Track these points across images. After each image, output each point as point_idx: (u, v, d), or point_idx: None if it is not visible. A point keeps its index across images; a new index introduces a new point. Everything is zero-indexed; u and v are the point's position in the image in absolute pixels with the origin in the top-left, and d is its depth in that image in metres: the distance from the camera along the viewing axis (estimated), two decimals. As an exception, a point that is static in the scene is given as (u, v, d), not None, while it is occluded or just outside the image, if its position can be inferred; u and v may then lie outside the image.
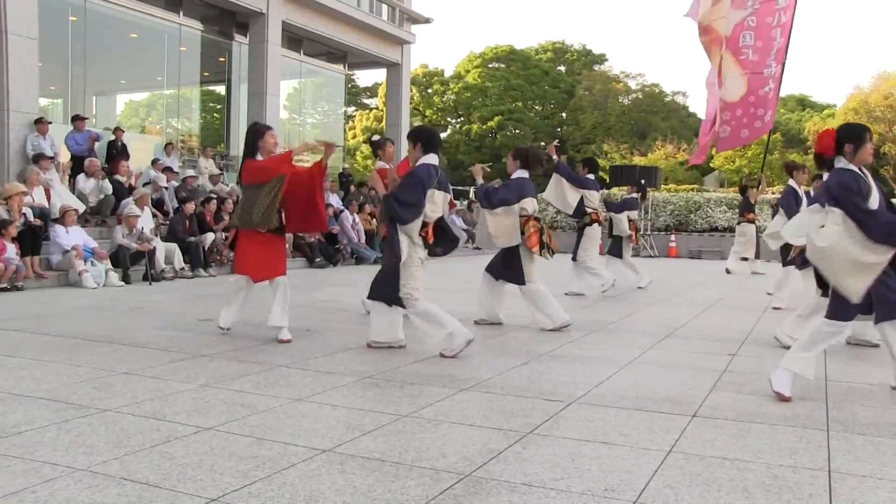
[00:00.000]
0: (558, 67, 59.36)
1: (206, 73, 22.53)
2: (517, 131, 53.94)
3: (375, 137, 9.33)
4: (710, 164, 46.34)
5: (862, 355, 6.70)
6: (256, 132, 6.86)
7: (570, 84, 56.68)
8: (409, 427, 4.13)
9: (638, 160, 40.31)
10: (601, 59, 59.72)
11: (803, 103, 54.57)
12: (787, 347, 6.59)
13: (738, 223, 16.81)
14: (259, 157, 6.77)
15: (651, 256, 24.01)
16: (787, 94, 54.80)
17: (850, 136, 5.03)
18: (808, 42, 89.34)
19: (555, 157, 10.65)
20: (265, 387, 5.00)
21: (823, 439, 4.09)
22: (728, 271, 16.78)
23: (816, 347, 5.08)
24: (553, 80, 57.09)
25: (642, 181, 15.41)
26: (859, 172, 4.99)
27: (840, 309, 4.98)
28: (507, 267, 7.93)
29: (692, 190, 30.31)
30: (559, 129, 57.09)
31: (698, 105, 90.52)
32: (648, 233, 25.29)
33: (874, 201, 4.93)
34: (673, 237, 24.88)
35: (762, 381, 5.51)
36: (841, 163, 5.04)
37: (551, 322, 7.76)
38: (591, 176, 11.23)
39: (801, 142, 46.51)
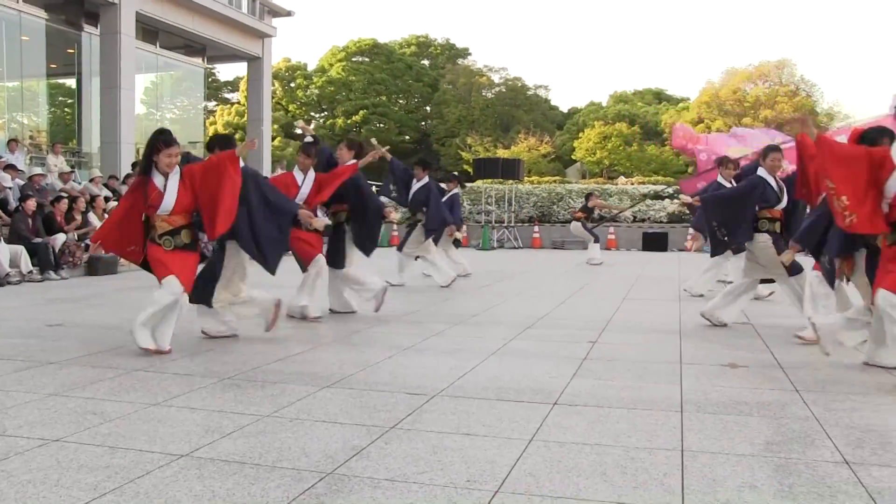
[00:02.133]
0: (422, 61, 59.57)
1: (54, 65, 21.49)
2: (381, 125, 53.83)
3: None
4: (572, 157, 47.57)
5: (713, 337, 6.99)
6: (153, 147, 6.07)
7: (434, 78, 56.98)
8: (270, 427, 4.04)
9: (501, 153, 40.90)
10: (465, 52, 60.27)
11: (660, 97, 56.60)
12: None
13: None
14: (157, 176, 6.06)
15: (515, 247, 24.45)
16: (645, 88, 56.88)
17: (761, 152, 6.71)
18: (663, 37, 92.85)
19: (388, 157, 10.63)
20: (120, 392, 4.79)
21: (678, 420, 4.23)
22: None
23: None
24: (417, 74, 57.27)
25: (455, 173, 16.04)
26: (765, 178, 6.61)
27: None
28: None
29: (554, 181, 31.01)
30: (423, 123, 57.41)
31: (560, 98, 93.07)
32: (512, 224, 25.74)
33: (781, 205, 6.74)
34: (536, 228, 25.40)
35: (622, 366, 5.69)
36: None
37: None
38: (426, 177, 11.46)
39: (657, 134, 48.20)
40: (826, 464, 3.52)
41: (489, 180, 26.93)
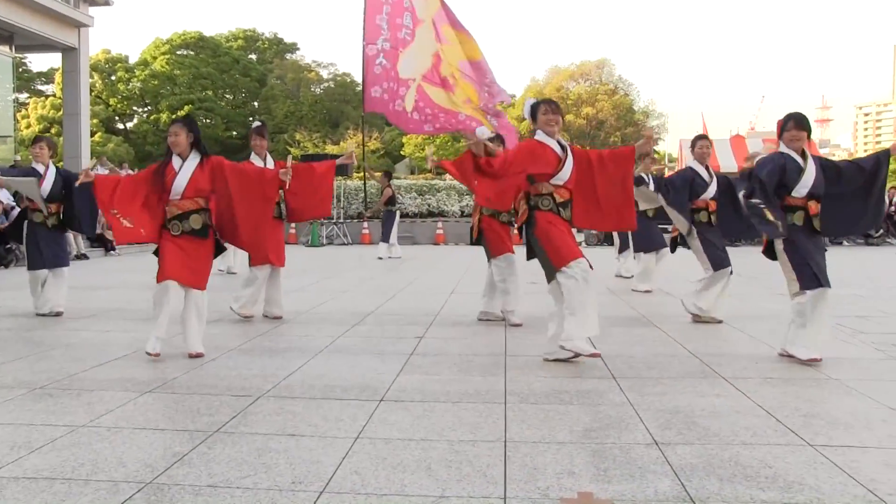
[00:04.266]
0: (249, 56, 58.50)
1: None
2: (208, 121, 52.49)
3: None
4: (402, 153, 47.90)
5: (536, 329, 7.15)
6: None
7: (262, 73, 56.06)
8: (84, 438, 3.84)
9: (330, 149, 40.68)
10: (293, 47, 59.63)
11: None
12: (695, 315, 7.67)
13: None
14: (175, 158, 6.03)
15: (345, 244, 24.37)
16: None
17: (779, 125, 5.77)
18: (490, 35, 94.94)
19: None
20: (-90, 411, 4.41)
21: (501, 412, 4.32)
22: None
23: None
24: (244, 69, 56.17)
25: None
26: (787, 153, 5.70)
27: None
28: None
29: (384, 178, 31.06)
30: (251, 119, 56.27)
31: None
32: (341, 221, 25.64)
33: (805, 180, 5.64)
34: (366, 224, 25.40)
35: (448, 360, 5.78)
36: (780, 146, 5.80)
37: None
38: None
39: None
40: (638, 446, 3.70)
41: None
